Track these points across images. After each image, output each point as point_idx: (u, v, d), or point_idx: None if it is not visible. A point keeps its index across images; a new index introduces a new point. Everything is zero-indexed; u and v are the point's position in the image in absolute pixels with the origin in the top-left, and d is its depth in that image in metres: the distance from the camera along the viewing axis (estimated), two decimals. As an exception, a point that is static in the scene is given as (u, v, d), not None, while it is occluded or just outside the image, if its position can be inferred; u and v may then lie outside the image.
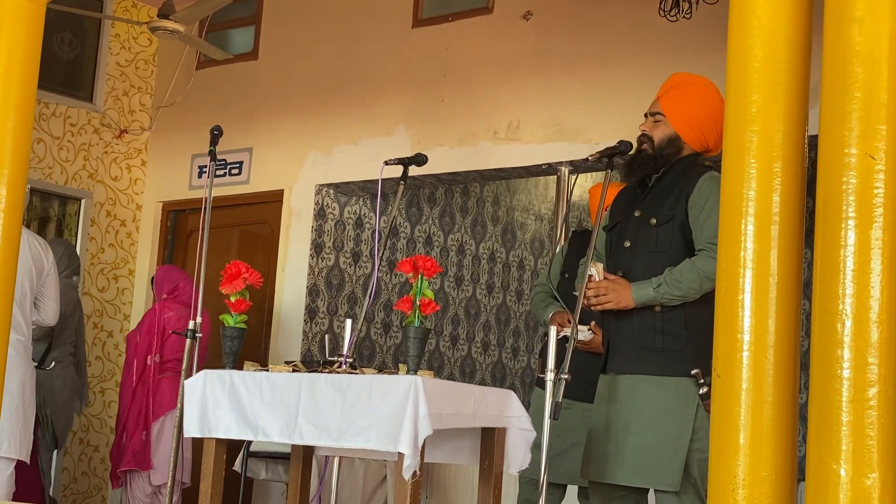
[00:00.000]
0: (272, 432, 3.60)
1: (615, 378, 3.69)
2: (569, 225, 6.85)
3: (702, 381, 3.49)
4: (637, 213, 3.74)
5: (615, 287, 3.63)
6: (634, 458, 3.55)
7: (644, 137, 3.78)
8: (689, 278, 3.53)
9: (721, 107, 3.72)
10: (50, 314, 5.08)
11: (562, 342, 3.53)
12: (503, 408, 3.79)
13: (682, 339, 3.58)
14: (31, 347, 4.96)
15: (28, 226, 6.34)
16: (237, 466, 5.78)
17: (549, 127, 6.16)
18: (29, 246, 4.88)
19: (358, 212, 7.30)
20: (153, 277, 6.63)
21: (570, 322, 3.63)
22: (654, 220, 3.68)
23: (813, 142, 2.51)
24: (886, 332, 2.23)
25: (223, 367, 3.86)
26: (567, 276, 4.56)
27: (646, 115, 3.83)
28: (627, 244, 3.74)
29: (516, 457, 3.84)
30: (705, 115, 3.73)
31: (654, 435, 3.53)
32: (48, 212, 7.67)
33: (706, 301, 3.41)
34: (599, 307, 3.67)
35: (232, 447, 4.01)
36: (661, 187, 3.74)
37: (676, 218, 3.64)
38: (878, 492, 2.20)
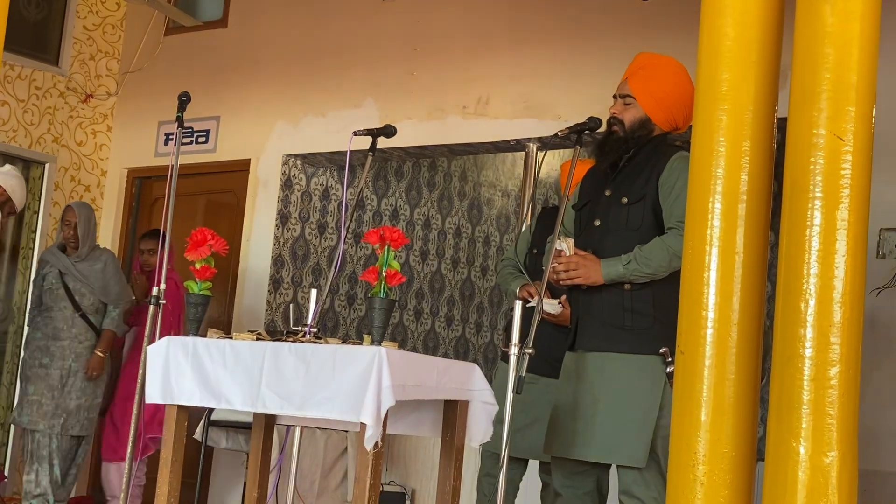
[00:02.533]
0: (235, 400, 3.59)
1: (583, 355, 3.70)
2: (535, 202, 6.85)
3: (669, 359, 3.50)
4: (608, 193, 3.74)
5: (585, 262, 3.63)
6: (602, 434, 3.57)
7: (614, 120, 3.77)
8: (658, 256, 3.54)
9: (689, 86, 3.73)
10: None
11: (528, 315, 3.51)
12: (466, 381, 3.79)
13: (650, 317, 3.59)
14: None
15: (-10, 189, 6.23)
16: (198, 435, 5.76)
17: (519, 103, 6.15)
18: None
19: (325, 183, 7.27)
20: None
21: (537, 294, 3.62)
22: (625, 199, 3.68)
23: (780, 125, 2.52)
24: (849, 313, 2.25)
25: (186, 335, 3.84)
26: (535, 251, 4.56)
27: (615, 97, 3.82)
28: (598, 223, 3.74)
29: (478, 430, 3.84)
30: (675, 97, 3.73)
31: (622, 412, 3.55)
32: (11, 175, 7.57)
33: (675, 280, 3.40)
34: (568, 282, 3.67)
35: (192, 415, 3.99)
36: (632, 167, 3.74)
37: (647, 197, 3.64)
38: (837, 470, 2.23)
